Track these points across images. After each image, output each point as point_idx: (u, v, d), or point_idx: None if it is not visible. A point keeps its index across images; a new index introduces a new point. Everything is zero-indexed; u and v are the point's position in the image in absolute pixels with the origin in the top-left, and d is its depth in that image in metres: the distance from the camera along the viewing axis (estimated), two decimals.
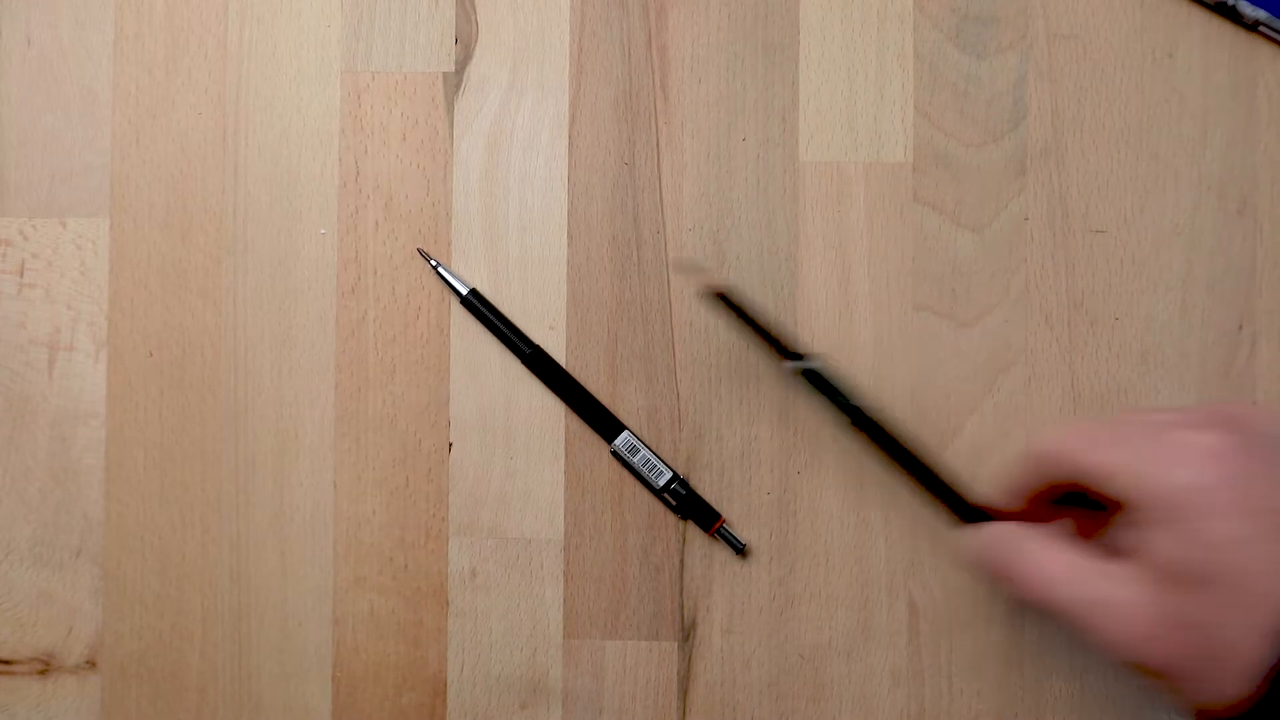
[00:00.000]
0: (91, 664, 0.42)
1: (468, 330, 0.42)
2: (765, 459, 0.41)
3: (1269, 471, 0.29)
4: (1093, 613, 0.32)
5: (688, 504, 0.41)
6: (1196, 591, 0.30)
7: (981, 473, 0.41)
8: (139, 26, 0.43)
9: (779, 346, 0.39)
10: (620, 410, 0.42)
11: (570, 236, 0.42)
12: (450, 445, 0.42)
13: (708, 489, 0.41)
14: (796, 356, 0.39)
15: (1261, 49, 0.41)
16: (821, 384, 0.39)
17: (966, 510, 0.38)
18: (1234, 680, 0.29)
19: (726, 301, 0.39)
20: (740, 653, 0.41)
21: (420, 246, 0.42)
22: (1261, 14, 0.41)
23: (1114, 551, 0.32)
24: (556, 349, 0.42)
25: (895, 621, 0.41)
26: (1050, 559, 0.34)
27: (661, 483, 0.41)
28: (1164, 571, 0.30)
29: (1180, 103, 0.41)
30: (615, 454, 0.41)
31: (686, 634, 0.42)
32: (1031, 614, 0.41)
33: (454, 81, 0.42)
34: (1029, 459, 0.35)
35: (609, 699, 0.41)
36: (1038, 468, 0.34)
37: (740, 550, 0.41)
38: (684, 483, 0.41)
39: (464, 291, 0.41)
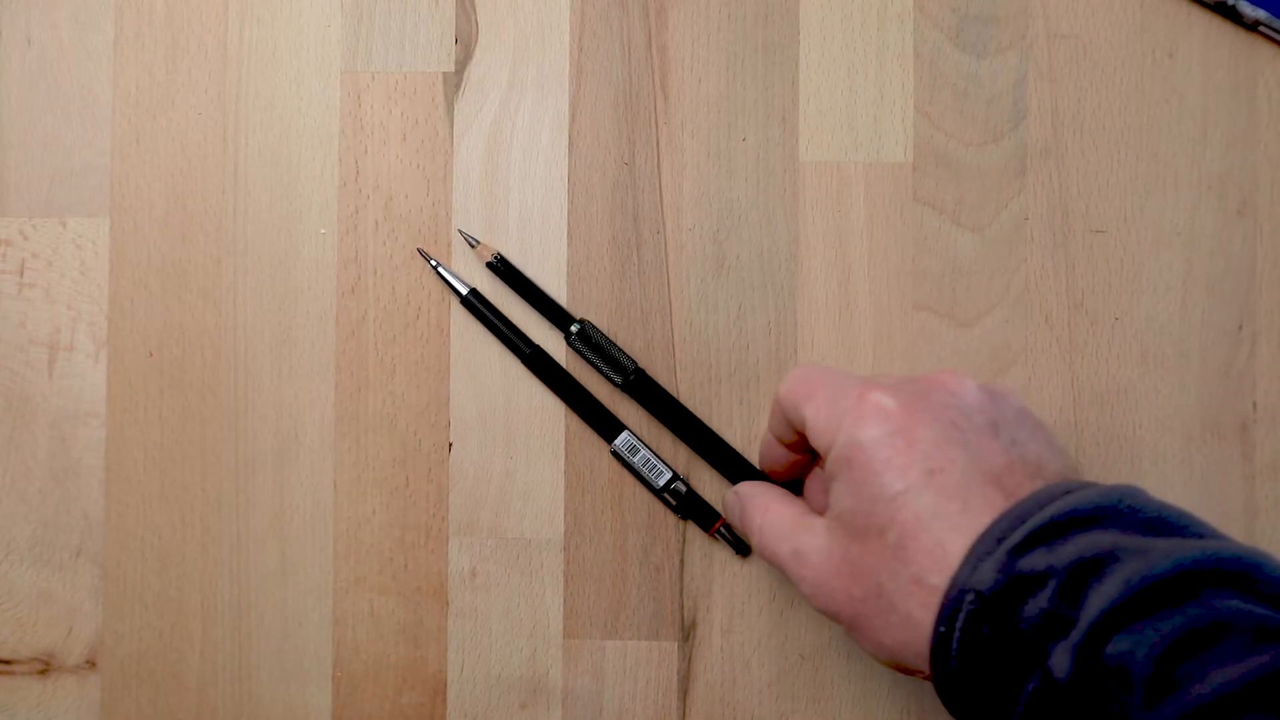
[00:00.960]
0: (91, 664, 0.42)
1: (468, 330, 0.42)
2: None
3: (938, 433, 0.31)
4: (791, 562, 0.34)
5: (688, 503, 0.41)
6: (868, 541, 0.31)
7: None
8: (139, 26, 0.43)
9: (552, 312, 0.41)
10: (620, 410, 0.42)
11: (570, 236, 0.42)
12: (450, 445, 0.42)
13: (708, 489, 0.41)
14: (569, 321, 0.41)
15: (1261, 49, 0.41)
16: (593, 347, 0.41)
17: (734, 469, 0.41)
18: (896, 631, 0.30)
19: (501, 269, 0.41)
20: (740, 653, 0.41)
21: (420, 247, 0.42)
22: (1261, 14, 0.41)
23: (823, 506, 0.34)
24: (556, 349, 0.42)
25: None
26: (772, 513, 0.36)
27: (661, 482, 0.41)
28: (843, 522, 0.32)
29: (1180, 103, 0.41)
30: (615, 454, 0.41)
31: (686, 634, 0.42)
32: None
33: (454, 81, 0.42)
34: (774, 401, 0.36)
35: (609, 699, 0.41)
36: (776, 410, 0.36)
37: (741, 551, 0.41)
38: (684, 482, 0.41)
39: (464, 291, 0.41)
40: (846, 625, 0.32)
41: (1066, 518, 0.28)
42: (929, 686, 0.41)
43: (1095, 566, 0.27)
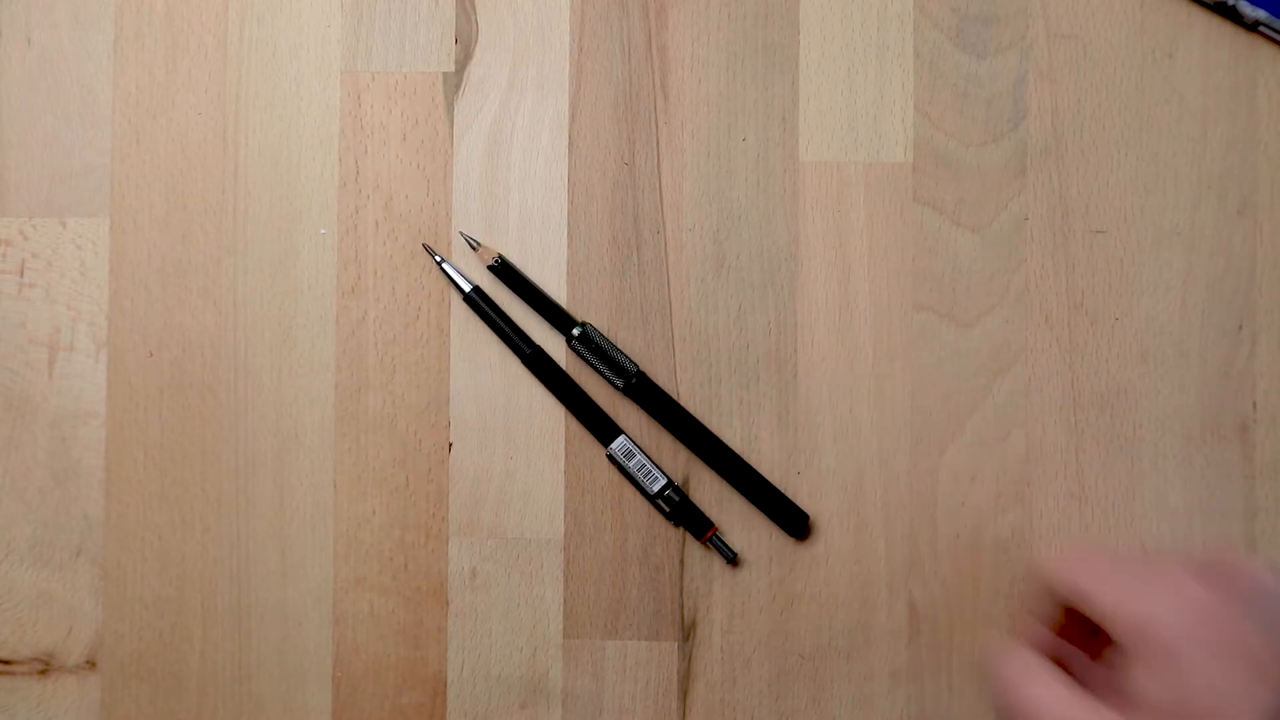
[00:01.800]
0: (91, 664, 0.42)
1: (468, 330, 0.42)
2: (765, 459, 0.41)
3: (1247, 622, 0.31)
4: None
5: (681, 511, 0.41)
6: None
7: (982, 472, 0.41)
8: (139, 26, 0.43)
9: (553, 315, 0.41)
10: (620, 410, 0.42)
11: (570, 236, 0.42)
12: (450, 445, 0.42)
13: (707, 490, 0.41)
14: (570, 323, 0.41)
15: (1261, 49, 0.41)
16: (595, 350, 0.40)
17: (735, 472, 0.41)
18: None
19: (502, 272, 0.41)
20: (740, 653, 0.41)
21: (424, 243, 0.42)
22: (1261, 14, 0.41)
23: (1109, 691, 0.34)
24: (557, 350, 0.42)
25: (895, 621, 0.41)
26: (1053, 693, 0.34)
27: (655, 489, 0.41)
28: (1156, 711, 0.32)
29: (1180, 103, 0.41)
30: (611, 458, 0.41)
31: (686, 634, 0.42)
32: None
33: (454, 81, 0.42)
34: (1034, 578, 0.36)
35: (609, 699, 0.41)
36: (1043, 592, 0.36)
37: (731, 559, 0.41)
38: (678, 489, 0.41)
39: (467, 289, 0.41)
40: None
41: None
42: (929, 687, 0.41)
43: None
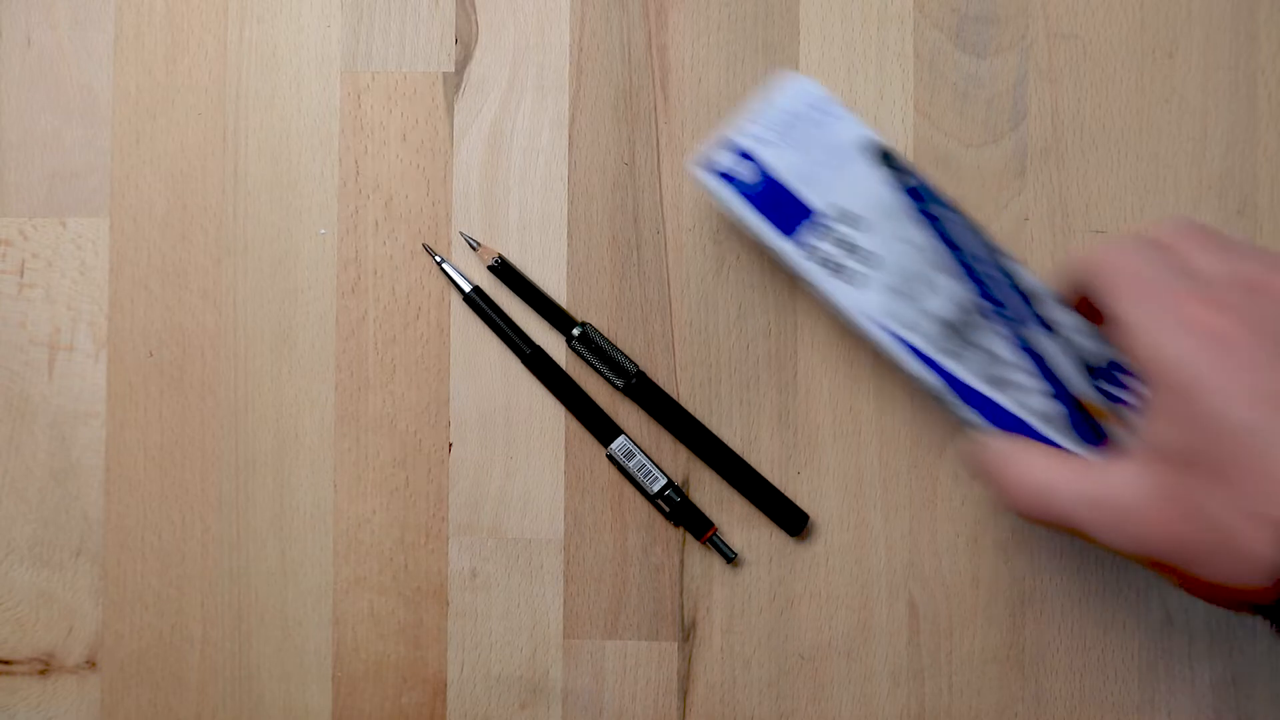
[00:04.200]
0: (91, 664, 0.42)
1: (468, 330, 0.42)
2: (765, 459, 0.41)
3: (1274, 353, 0.29)
4: (1090, 515, 0.32)
5: (680, 511, 0.41)
6: (1197, 474, 0.29)
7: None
8: (139, 26, 0.43)
9: (553, 315, 0.41)
10: (620, 411, 0.42)
11: (570, 236, 0.42)
12: (450, 445, 0.42)
13: (707, 490, 0.42)
14: (570, 324, 0.41)
15: (1261, 49, 0.41)
16: (595, 350, 0.40)
17: (735, 472, 0.41)
18: (1238, 566, 0.29)
19: (502, 272, 0.41)
20: (740, 653, 0.41)
21: (424, 242, 0.42)
22: None
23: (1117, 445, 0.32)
24: (557, 350, 0.42)
25: (895, 621, 0.41)
26: (1046, 464, 0.34)
27: (655, 489, 0.41)
28: (1165, 454, 0.30)
29: (1180, 103, 0.41)
30: (611, 458, 0.41)
31: (686, 634, 0.42)
32: (1031, 614, 0.41)
33: (454, 81, 0.42)
34: (1068, 265, 0.35)
35: (609, 699, 0.41)
36: (1071, 276, 0.34)
37: (731, 559, 0.41)
38: (678, 490, 0.41)
39: (467, 289, 0.41)
40: (1167, 563, 0.31)
41: None
42: (929, 687, 0.41)
43: None
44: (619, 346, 0.41)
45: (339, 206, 0.42)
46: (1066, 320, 0.36)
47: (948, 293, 0.37)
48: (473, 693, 0.42)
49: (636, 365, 0.41)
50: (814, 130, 0.38)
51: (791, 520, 0.41)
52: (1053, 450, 0.34)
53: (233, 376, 0.42)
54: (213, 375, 0.42)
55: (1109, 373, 0.35)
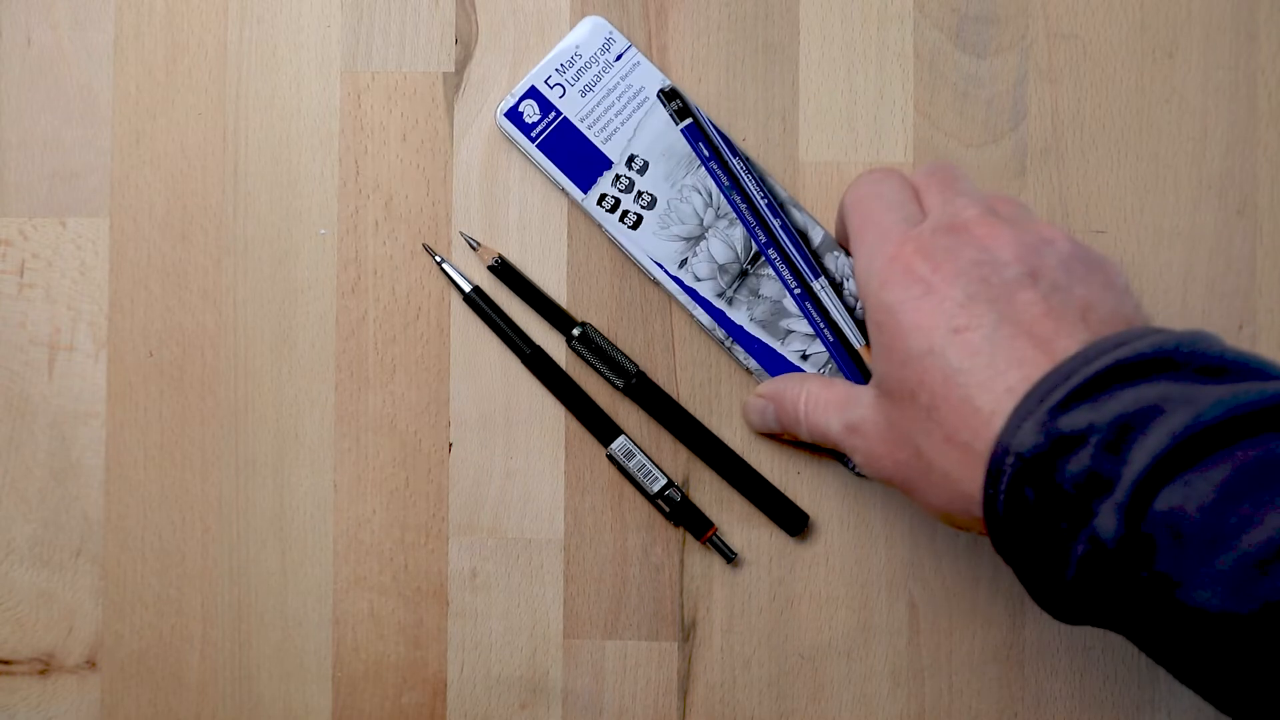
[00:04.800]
0: (91, 664, 0.42)
1: (468, 330, 0.42)
2: (765, 459, 0.41)
3: (965, 290, 0.30)
4: (845, 436, 0.35)
5: (681, 511, 0.41)
6: (904, 405, 0.31)
7: None
8: (139, 26, 0.43)
9: (554, 315, 0.41)
10: (620, 411, 0.42)
11: (570, 236, 0.42)
12: (450, 445, 0.42)
13: (707, 490, 0.41)
14: (570, 324, 0.41)
15: (1261, 49, 0.41)
16: (595, 350, 0.40)
17: (735, 472, 0.41)
18: (938, 491, 0.31)
19: (502, 272, 0.41)
20: (740, 653, 0.41)
21: (424, 242, 0.42)
22: None
23: None
24: (557, 350, 0.42)
25: (895, 621, 0.41)
26: (815, 396, 0.36)
27: (656, 489, 0.41)
28: (883, 388, 0.32)
29: (1180, 103, 0.41)
30: (611, 458, 0.41)
31: (686, 634, 0.42)
32: (1031, 614, 0.41)
33: (454, 81, 0.42)
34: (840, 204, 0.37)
35: (609, 699, 0.41)
36: (839, 215, 0.37)
37: (731, 559, 0.41)
38: (678, 489, 0.41)
39: (467, 289, 0.41)
40: (900, 490, 0.33)
41: (1110, 369, 0.27)
42: (929, 687, 0.41)
43: (1140, 420, 0.26)
44: (619, 346, 0.41)
45: (339, 206, 0.42)
46: (840, 264, 0.39)
47: (724, 237, 0.39)
48: (473, 693, 0.42)
49: (636, 365, 0.41)
50: (606, 74, 0.40)
51: (791, 520, 0.41)
52: (827, 379, 0.37)
53: (233, 376, 0.42)
54: (213, 375, 0.42)
55: None
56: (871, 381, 0.33)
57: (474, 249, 0.42)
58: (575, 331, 0.41)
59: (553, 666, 0.42)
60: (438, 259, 0.42)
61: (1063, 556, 0.27)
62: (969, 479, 0.29)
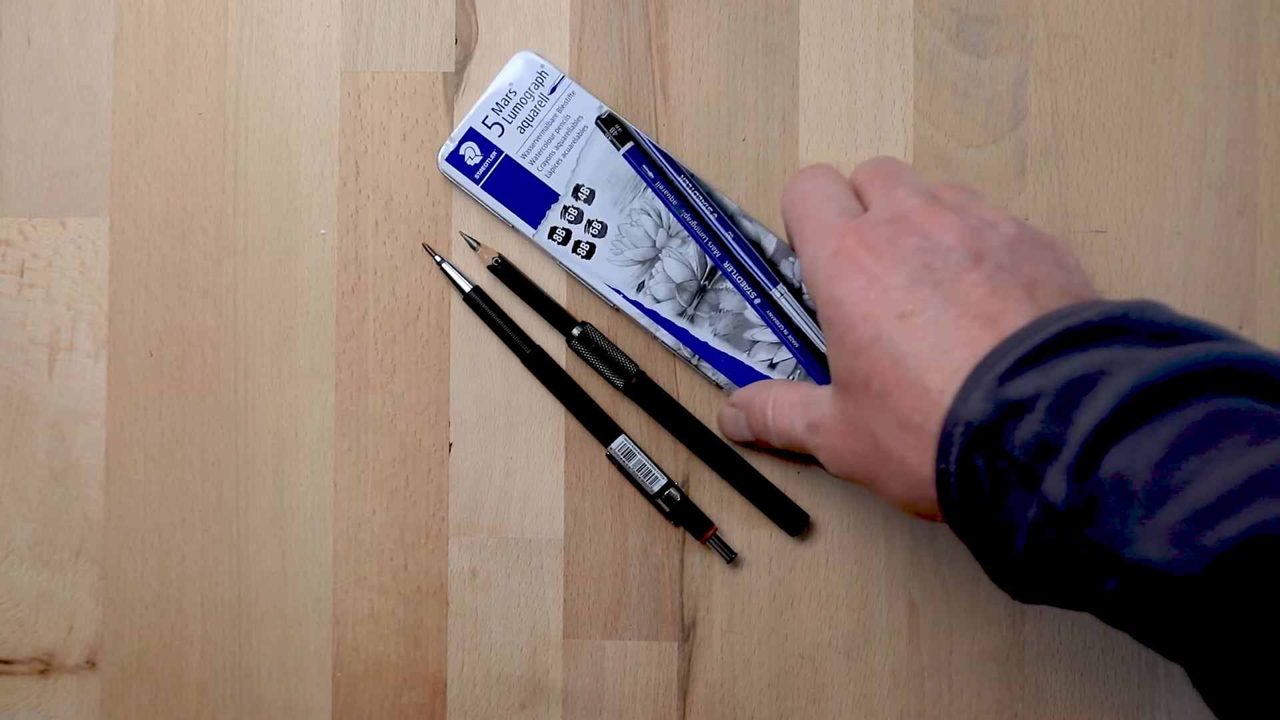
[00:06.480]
0: (91, 664, 0.42)
1: (468, 330, 0.42)
2: (765, 459, 0.41)
3: (908, 276, 0.30)
4: (808, 436, 0.35)
5: (681, 511, 0.41)
6: (858, 396, 0.31)
7: None
8: (139, 26, 0.43)
9: (553, 315, 0.41)
10: (621, 411, 0.42)
11: None
12: (450, 445, 0.42)
13: (708, 490, 0.41)
14: (570, 324, 0.41)
15: (1261, 49, 0.41)
16: (595, 350, 0.40)
17: (735, 471, 0.41)
18: (897, 480, 0.31)
19: (502, 272, 0.41)
20: (740, 653, 0.41)
21: (424, 242, 0.42)
22: None
23: None
24: (557, 350, 0.42)
25: (895, 621, 0.41)
26: (779, 400, 0.36)
27: (656, 488, 0.41)
28: (839, 382, 0.32)
29: (1180, 103, 0.41)
30: (611, 458, 0.41)
31: (686, 634, 0.42)
32: (1031, 614, 0.41)
33: (454, 81, 0.42)
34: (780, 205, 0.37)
35: (609, 699, 0.41)
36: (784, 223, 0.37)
37: (731, 559, 0.41)
38: (678, 489, 0.41)
39: (467, 288, 0.41)
40: (864, 484, 0.33)
41: (1059, 336, 0.27)
42: (929, 687, 0.41)
43: (1087, 384, 0.26)
44: (619, 346, 0.41)
45: (339, 206, 0.42)
46: (796, 269, 0.39)
47: (678, 256, 0.40)
48: (473, 693, 0.42)
49: (636, 365, 0.41)
50: (542, 107, 0.40)
51: (791, 520, 0.41)
52: (792, 384, 0.38)
53: (233, 376, 0.42)
54: (213, 375, 0.42)
55: None
56: (832, 377, 0.33)
57: (474, 249, 0.42)
58: (575, 331, 0.41)
59: (553, 666, 0.42)
60: (438, 259, 0.42)
61: (1015, 525, 0.27)
62: (925, 462, 0.29)
